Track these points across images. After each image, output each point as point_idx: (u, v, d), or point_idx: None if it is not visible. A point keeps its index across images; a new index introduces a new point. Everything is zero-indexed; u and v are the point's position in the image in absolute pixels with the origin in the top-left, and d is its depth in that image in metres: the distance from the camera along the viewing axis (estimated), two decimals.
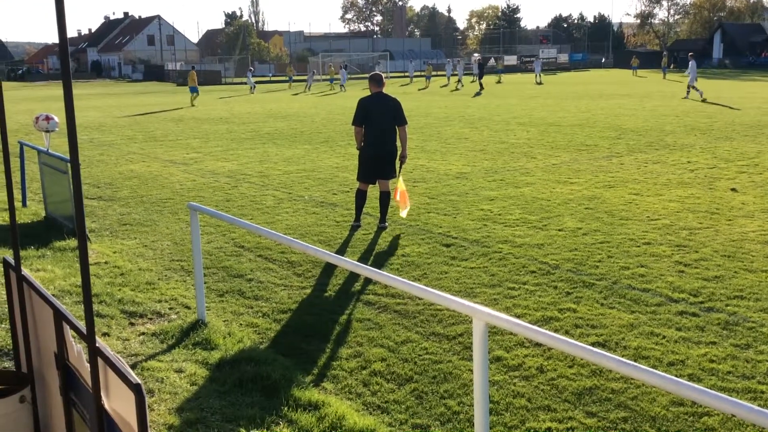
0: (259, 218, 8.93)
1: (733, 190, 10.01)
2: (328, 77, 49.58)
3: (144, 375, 4.36)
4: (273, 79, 66.58)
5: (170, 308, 5.71)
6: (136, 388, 1.94)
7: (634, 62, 59.21)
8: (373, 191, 8.70)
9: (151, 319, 5.47)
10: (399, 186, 8.04)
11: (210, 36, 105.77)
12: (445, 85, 45.67)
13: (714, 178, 10.95)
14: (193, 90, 32.34)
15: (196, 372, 4.45)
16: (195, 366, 4.54)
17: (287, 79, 52.20)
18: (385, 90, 8.40)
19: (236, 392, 4.18)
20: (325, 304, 5.87)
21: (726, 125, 18.28)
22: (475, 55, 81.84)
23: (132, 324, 5.35)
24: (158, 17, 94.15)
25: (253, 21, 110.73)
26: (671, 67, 54.43)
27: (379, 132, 8.14)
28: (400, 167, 8.36)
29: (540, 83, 46.14)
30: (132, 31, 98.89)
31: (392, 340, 5.06)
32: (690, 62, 28.55)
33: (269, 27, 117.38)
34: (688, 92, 28.13)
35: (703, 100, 26.30)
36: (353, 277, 6.44)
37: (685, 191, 10.00)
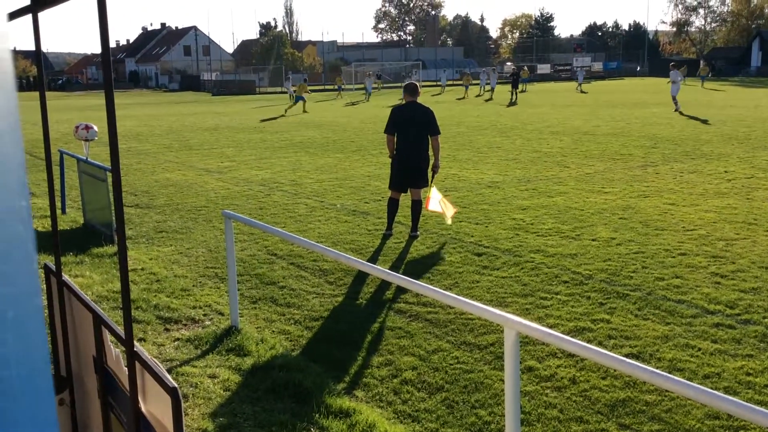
0: (292, 226, 9.01)
1: None
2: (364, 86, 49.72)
3: (178, 380, 4.44)
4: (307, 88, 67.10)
5: (204, 314, 5.79)
6: (173, 392, 1.99)
7: (703, 71, 57.08)
8: (406, 200, 8.72)
9: (185, 325, 5.56)
10: (430, 195, 8.05)
11: (245, 46, 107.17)
12: (480, 95, 45.40)
13: (752, 188, 10.75)
14: (299, 99, 32.79)
15: (229, 378, 4.51)
16: (228, 372, 4.60)
17: (336, 88, 51.78)
18: (419, 100, 8.43)
19: (268, 398, 4.22)
20: (356, 312, 5.90)
21: (765, 134, 17.93)
22: (508, 64, 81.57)
23: (167, 329, 5.44)
24: (194, 28, 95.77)
25: (287, 31, 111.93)
26: (709, 75, 52.84)
27: (411, 141, 8.17)
28: (433, 177, 8.38)
29: (584, 92, 45.64)
30: (169, 41, 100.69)
31: (423, 348, 5.06)
32: (671, 72, 27.00)
33: (303, 37, 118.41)
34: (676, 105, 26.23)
35: (676, 110, 25.36)
36: (384, 285, 6.47)
37: (722, 201, 9.83)
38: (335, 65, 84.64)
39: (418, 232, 8.33)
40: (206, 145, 19.09)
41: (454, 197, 10.63)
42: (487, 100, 39.38)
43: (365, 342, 5.23)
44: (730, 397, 2.33)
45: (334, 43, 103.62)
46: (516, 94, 39.57)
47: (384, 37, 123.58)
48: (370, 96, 44.06)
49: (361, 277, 6.74)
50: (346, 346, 5.16)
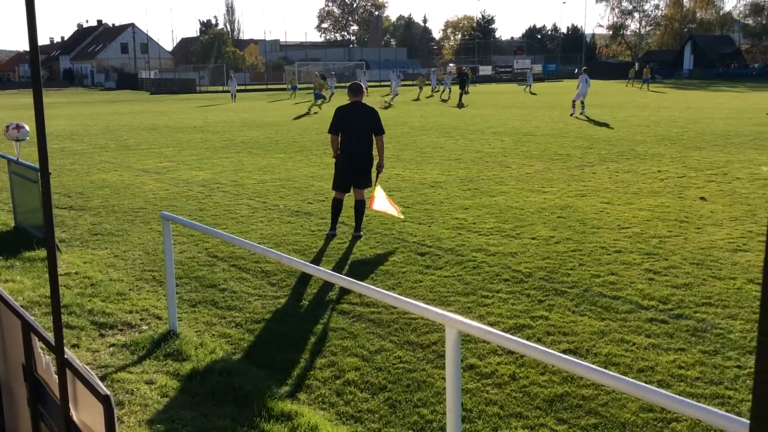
0: (233, 228, 8.89)
1: (702, 198, 10.19)
2: (290, 85, 48.81)
3: (114, 387, 4.32)
4: (249, 87, 66.43)
5: (141, 319, 5.66)
6: (104, 400, 1.92)
7: (632, 73, 56.75)
8: (350, 201, 8.71)
9: (121, 330, 5.41)
10: (375, 194, 8.05)
11: (185, 44, 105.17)
12: (431, 96, 45.31)
13: (683, 187, 11.13)
14: (318, 96, 32.31)
15: (167, 383, 4.41)
16: (166, 377, 4.50)
17: (290, 87, 49.74)
18: (364, 100, 8.44)
19: (208, 403, 4.15)
20: (299, 313, 5.85)
21: (696, 135, 18.61)
22: (451, 65, 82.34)
23: (102, 335, 5.28)
24: (132, 25, 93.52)
25: (229, 29, 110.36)
26: (651, 77, 53.96)
27: (356, 141, 8.15)
28: (378, 177, 8.41)
29: (533, 93, 46.30)
30: (105, 39, 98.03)
31: (366, 349, 5.06)
32: (581, 76, 26.14)
33: (245, 35, 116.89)
34: (582, 108, 25.70)
35: (571, 115, 25.45)
36: (327, 286, 6.44)
37: (655, 200, 10.15)
38: (278, 65, 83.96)
39: (362, 233, 8.32)
40: (144, 145, 18.66)
41: (398, 197, 10.67)
42: (444, 100, 39.37)
43: (308, 344, 5.20)
44: (662, 391, 2.40)
45: (276, 42, 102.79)
46: (462, 95, 39.66)
47: (328, 37, 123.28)
48: (332, 96, 42.84)
49: (303, 278, 6.69)
50: (289, 349, 5.11)
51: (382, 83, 64.33)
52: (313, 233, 8.55)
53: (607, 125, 21.88)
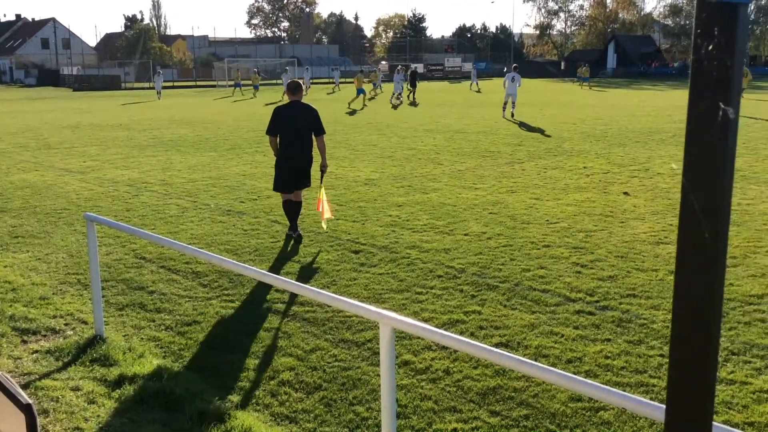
0: (162, 228, 8.67)
1: (625, 193, 10.55)
2: (250, 83, 47.86)
3: (38, 394, 4.14)
4: (177, 84, 64.93)
5: (66, 324, 5.45)
6: (26, 409, 1.84)
7: (584, 72, 51.35)
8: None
9: (45, 335, 5.20)
10: (321, 196, 7.88)
11: (109, 39, 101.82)
12: (372, 98, 43.74)
13: (608, 183, 11.50)
14: (360, 92, 32.22)
15: (93, 390, 4.27)
16: (93, 383, 4.35)
17: (233, 84, 48.51)
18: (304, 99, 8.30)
19: (137, 409, 4.03)
20: (231, 314, 5.76)
21: (619, 132, 19.25)
22: (383, 63, 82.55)
23: (24, 341, 5.07)
24: (53, 20, 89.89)
25: (155, 24, 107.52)
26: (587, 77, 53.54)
27: (296, 141, 7.97)
28: (321, 177, 8.24)
29: (479, 91, 46.47)
30: (25, 34, 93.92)
31: (301, 348, 5.02)
32: (508, 74, 25.04)
33: (172, 31, 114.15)
34: (512, 107, 24.56)
35: (395, 107, 25.29)
36: (260, 286, 6.36)
37: (581, 195, 10.46)
38: (207, 61, 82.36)
39: (299, 231, 8.19)
40: (67, 144, 17.99)
41: (331, 195, 10.63)
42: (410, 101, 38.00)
43: (241, 345, 5.12)
44: (589, 381, 2.47)
45: (205, 38, 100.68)
46: (414, 93, 37.67)
47: (258, 33, 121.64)
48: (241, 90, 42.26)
49: (236, 278, 6.59)
50: (221, 351, 5.03)
51: (314, 80, 63.77)
52: (246, 233, 8.43)
53: (533, 124, 22.38)
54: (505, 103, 24.75)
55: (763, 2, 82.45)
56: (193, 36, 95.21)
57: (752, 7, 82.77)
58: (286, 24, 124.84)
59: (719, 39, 1.00)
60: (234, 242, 7.99)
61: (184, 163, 14.43)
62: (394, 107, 31.66)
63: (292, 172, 8.04)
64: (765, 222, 8.50)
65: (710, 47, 1.00)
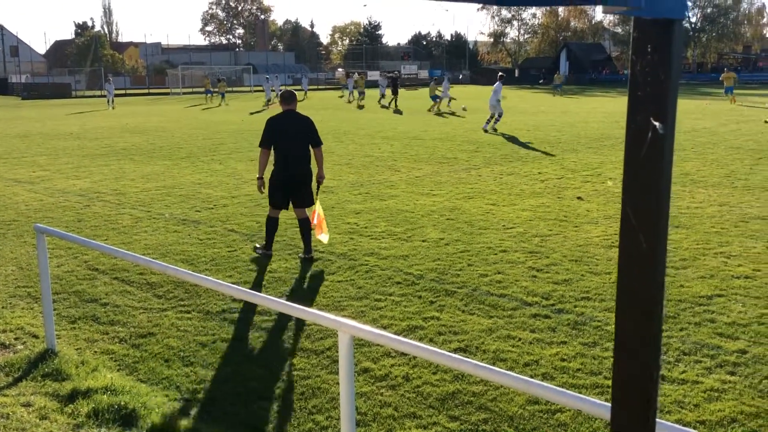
0: (115, 239, 8.51)
1: (579, 198, 10.75)
2: (204, 90, 47.06)
3: None
4: (129, 91, 63.86)
5: (16, 338, 5.30)
6: None
7: (558, 79, 51.52)
8: (286, 216, 8.54)
9: None
10: (317, 209, 7.49)
11: (59, 47, 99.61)
12: (350, 101, 42.41)
13: (562, 188, 11.71)
14: (435, 99, 32.86)
15: (46, 405, 4.15)
16: (45, 399, 4.24)
17: (204, 92, 46.85)
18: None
19: (90, 424, 3.94)
20: (188, 326, 5.68)
21: (572, 138, 19.62)
22: (339, 70, 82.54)
23: None
24: (0, 27, 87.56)
25: (106, 31, 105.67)
26: (542, 82, 52.85)
27: (293, 154, 7.42)
28: (318, 189, 7.80)
29: (452, 98, 46.25)
30: None
31: (259, 358, 4.98)
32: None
33: (124, 38, 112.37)
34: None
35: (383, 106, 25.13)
36: (218, 296, 6.28)
37: (536, 201, 10.62)
38: (160, 68, 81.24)
39: (312, 254, 7.52)
40: (15, 154, 17.52)
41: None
42: (385, 107, 36.71)
43: (197, 356, 5.05)
44: (545, 383, 2.51)
45: (158, 45, 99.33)
46: (396, 100, 36.35)
47: (212, 40, 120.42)
48: (270, 101, 40.04)
49: (192, 289, 6.50)
50: (177, 363, 4.95)
51: (271, 88, 63.20)
52: (202, 242, 8.33)
53: (489, 130, 22.66)
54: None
55: (708, 11, 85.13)
56: (146, 43, 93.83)
57: (698, 16, 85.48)
58: (241, 31, 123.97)
59: (653, 55, 1.02)
60: (189, 252, 7.88)
61: (137, 172, 14.19)
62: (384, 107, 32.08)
63: (291, 188, 7.48)
64: (713, 225, 8.75)
65: (644, 64, 1.03)
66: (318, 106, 39.84)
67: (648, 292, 1.10)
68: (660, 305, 1.11)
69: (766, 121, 23.48)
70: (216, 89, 44.88)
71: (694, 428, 3.92)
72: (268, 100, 37.96)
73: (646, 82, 1.03)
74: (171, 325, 5.66)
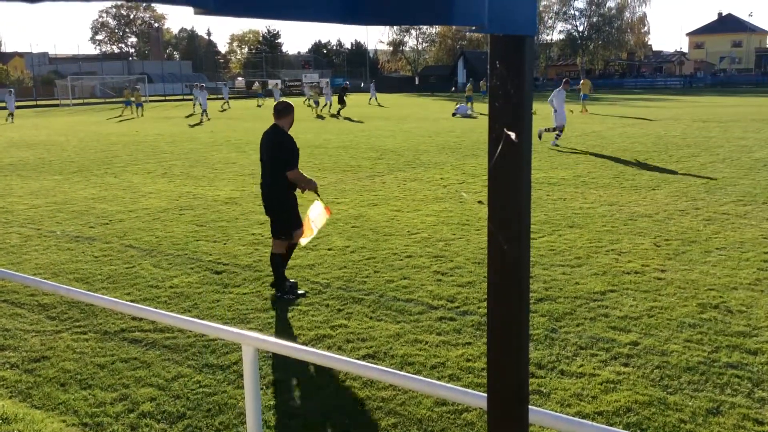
0: (2, 259, 8.02)
1: (479, 202, 11.04)
2: (124, 99, 44.89)
3: None
4: (16, 104, 60.34)
5: None
6: None
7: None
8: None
9: None
10: (309, 213, 6.58)
11: None
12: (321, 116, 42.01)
13: (464, 192, 11.99)
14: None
15: None
16: None
17: (125, 102, 44.15)
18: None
19: None
20: (84, 347, 5.42)
21: (472, 144, 20.14)
22: (239, 79, 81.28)
23: None
24: None
25: None
26: (453, 90, 53.59)
27: (263, 176, 6.73)
28: (318, 194, 6.80)
29: (382, 105, 46.64)
30: None
31: (162, 377, 4.82)
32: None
33: (8, 48, 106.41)
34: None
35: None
36: (116, 315, 6.03)
37: (439, 206, 10.83)
38: (48, 79, 77.44)
39: (279, 293, 6.53)
40: None
41: (190, 216, 10.31)
42: (333, 116, 36.20)
43: (96, 379, 4.83)
44: (449, 385, 2.56)
45: (45, 54, 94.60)
46: (341, 110, 36.52)
47: (103, 49, 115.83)
48: (206, 112, 38.08)
49: (87, 309, 6.21)
50: (75, 386, 4.71)
51: (167, 98, 61.58)
52: (97, 259, 7.98)
53: (391, 138, 22.93)
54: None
55: (594, 20, 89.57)
56: (31, 53, 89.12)
57: (585, 25, 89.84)
58: (134, 39, 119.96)
59: (502, 70, 1.07)
60: (84, 270, 7.54)
61: (25, 188, 13.44)
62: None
63: (266, 213, 6.82)
64: (604, 224, 9.20)
65: (496, 77, 1.08)
66: (236, 116, 39.09)
67: (514, 288, 1.16)
68: (525, 315, 1.17)
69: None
70: (133, 99, 43.08)
71: (593, 419, 4.11)
72: (204, 111, 36.24)
73: (497, 95, 1.08)
74: (66, 348, 5.39)
